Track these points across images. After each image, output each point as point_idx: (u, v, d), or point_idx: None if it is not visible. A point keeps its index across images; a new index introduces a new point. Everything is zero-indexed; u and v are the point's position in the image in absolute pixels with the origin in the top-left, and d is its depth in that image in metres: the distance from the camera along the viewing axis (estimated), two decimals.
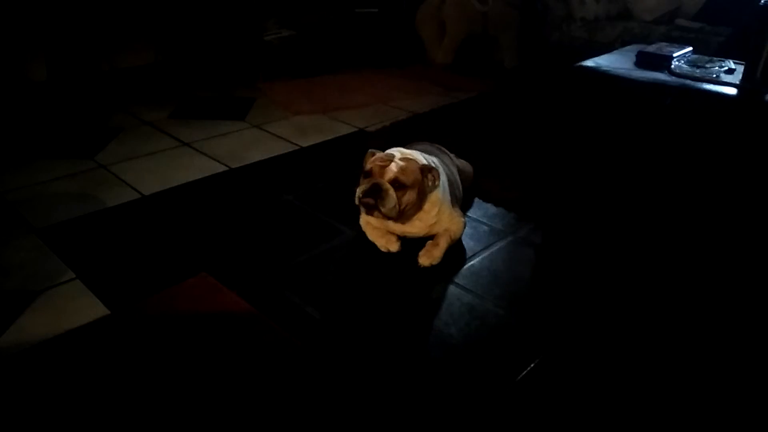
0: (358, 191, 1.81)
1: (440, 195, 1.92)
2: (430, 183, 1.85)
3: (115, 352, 1.50)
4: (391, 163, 1.80)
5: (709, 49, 2.78)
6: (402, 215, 1.84)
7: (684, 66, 1.95)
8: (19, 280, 1.77)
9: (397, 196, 1.78)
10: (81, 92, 3.33)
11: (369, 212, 1.84)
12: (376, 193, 1.77)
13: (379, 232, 1.97)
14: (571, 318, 1.69)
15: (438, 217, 1.93)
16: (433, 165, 1.90)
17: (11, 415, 1.31)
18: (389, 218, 1.85)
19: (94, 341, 1.53)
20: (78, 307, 1.66)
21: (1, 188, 2.32)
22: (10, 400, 1.35)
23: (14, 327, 1.58)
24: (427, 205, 1.89)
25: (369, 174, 1.81)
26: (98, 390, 1.38)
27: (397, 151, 1.88)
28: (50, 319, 1.61)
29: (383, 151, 1.88)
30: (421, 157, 1.88)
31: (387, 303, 1.73)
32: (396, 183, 1.78)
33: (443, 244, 1.92)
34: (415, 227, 1.93)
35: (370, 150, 1.88)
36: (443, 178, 1.95)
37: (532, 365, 1.49)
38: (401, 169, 1.79)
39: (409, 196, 1.81)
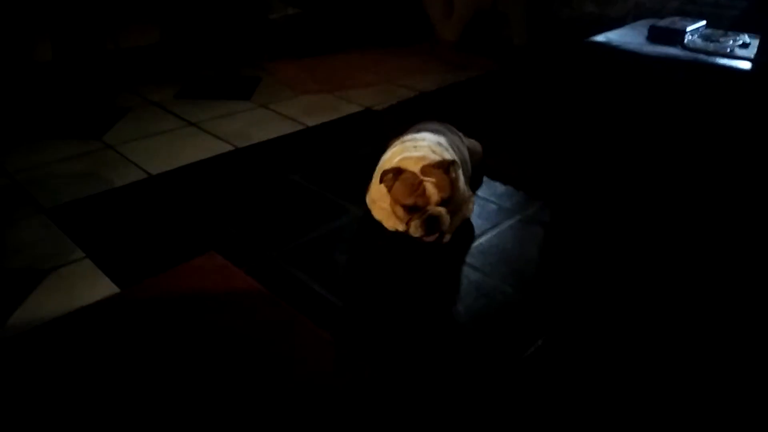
0: (416, 231, 1.77)
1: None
2: (453, 175, 1.83)
3: (124, 329, 1.51)
4: (422, 185, 1.75)
5: (724, 22, 2.72)
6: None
7: (697, 40, 1.91)
8: (29, 259, 1.79)
9: (446, 211, 1.76)
10: (86, 72, 3.32)
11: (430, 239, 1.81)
12: (435, 224, 1.75)
13: (386, 212, 1.96)
14: (578, 297, 1.68)
15: None
16: (446, 154, 1.88)
17: (23, 391, 1.33)
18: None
19: (104, 319, 1.55)
20: (88, 285, 1.67)
21: (10, 168, 2.33)
22: (22, 377, 1.37)
23: (25, 305, 1.60)
24: None
25: (414, 208, 1.76)
26: (108, 367, 1.39)
27: (409, 146, 1.85)
28: (60, 297, 1.63)
29: (390, 138, 1.85)
30: (431, 153, 1.85)
31: (394, 280, 1.73)
32: (442, 202, 1.76)
33: (454, 222, 1.91)
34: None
35: (384, 170, 1.81)
36: (457, 160, 1.93)
37: (538, 343, 1.49)
38: (437, 187, 1.75)
39: (454, 201, 1.81)
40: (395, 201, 1.80)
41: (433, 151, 1.87)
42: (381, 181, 1.82)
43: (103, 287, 1.67)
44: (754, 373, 1.43)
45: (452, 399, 1.33)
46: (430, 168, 1.78)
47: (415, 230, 1.78)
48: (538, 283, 1.74)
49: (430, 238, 1.79)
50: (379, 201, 1.94)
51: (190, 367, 1.39)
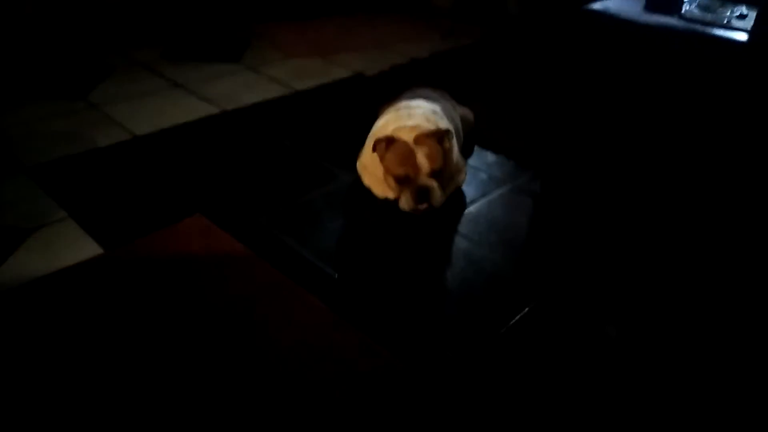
0: (406, 204, 1.74)
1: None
2: (447, 145, 1.81)
3: (109, 290, 1.49)
4: (415, 156, 1.72)
5: None
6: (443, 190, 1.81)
7: (695, 10, 1.89)
8: (11, 218, 1.75)
9: (438, 183, 1.74)
10: (70, 29, 3.21)
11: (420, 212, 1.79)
12: (425, 195, 1.73)
13: (377, 179, 1.94)
14: (566, 267, 1.69)
15: None
16: (441, 123, 1.85)
17: (4, 351, 1.32)
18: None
19: (88, 279, 1.53)
20: (71, 245, 1.65)
21: None
22: (3, 337, 1.35)
23: (7, 264, 1.57)
24: None
25: (405, 179, 1.74)
26: (92, 328, 1.38)
27: (404, 113, 1.82)
28: (44, 256, 1.60)
29: (381, 103, 1.81)
30: (426, 122, 1.82)
31: (383, 247, 1.73)
32: (433, 173, 1.74)
33: (446, 190, 1.89)
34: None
35: (376, 138, 1.78)
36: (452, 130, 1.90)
37: (525, 310, 1.50)
38: (429, 158, 1.72)
39: (445, 173, 1.78)
40: (387, 171, 1.78)
41: (428, 120, 1.84)
42: (374, 150, 1.79)
43: (87, 248, 1.64)
44: (746, 341, 1.45)
45: (439, 365, 1.34)
46: (423, 137, 1.75)
47: (405, 203, 1.76)
48: (527, 253, 1.75)
49: (421, 208, 1.78)
50: (371, 168, 1.92)
51: (176, 329, 1.39)
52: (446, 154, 1.79)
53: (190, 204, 1.85)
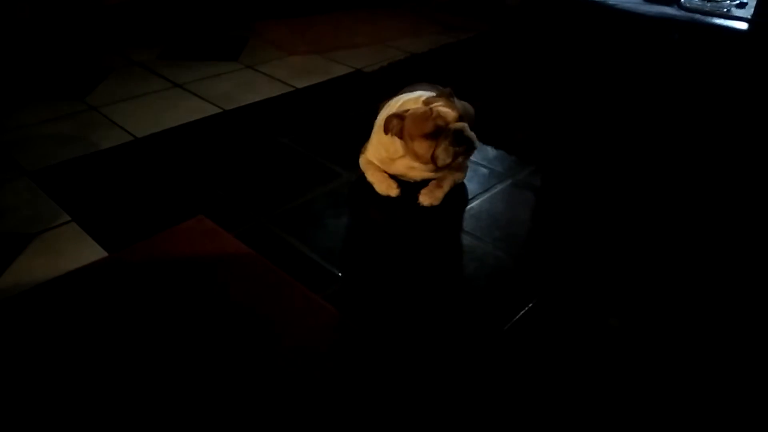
0: (445, 153, 1.68)
1: None
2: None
3: (113, 293, 1.50)
4: (435, 110, 1.69)
5: None
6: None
7: None
8: (14, 223, 1.76)
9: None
10: (67, 31, 3.21)
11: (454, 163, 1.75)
12: (462, 138, 1.68)
13: (380, 175, 1.93)
14: (569, 261, 1.69)
15: None
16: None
17: (9, 356, 1.32)
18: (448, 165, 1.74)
19: (93, 283, 1.53)
20: (75, 249, 1.65)
21: None
22: (9, 343, 1.36)
23: (11, 269, 1.58)
24: None
25: (437, 132, 1.68)
26: (97, 331, 1.39)
27: (404, 96, 1.82)
28: (47, 261, 1.60)
29: (380, 100, 1.81)
30: (428, 93, 1.82)
31: (385, 245, 1.73)
32: (459, 119, 1.70)
33: (446, 186, 1.90)
34: (420, 169, 1.89)
35: (388, 116, 1.76)
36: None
37: (529, 306, 1.50)
38: (449, 107, 1.70)
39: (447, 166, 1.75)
40: (413, 137, 1.72)
41: (428, 93, 1.85)
42: (387, 131, 1.76)
43: (91, 251, 1.64)
44: (748, 333, 1.45)
45: (444, 361, 1.34)
46: (432, 99, 1.75)
47: (444, 152, 1.69)
48: (530, 247, 1.75)
49: (464, 154, 1.71)
50: (374, 164, 1.91)
51: (179, 330, 1.39)
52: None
53: (192, 205, 1.85)
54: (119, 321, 1.41)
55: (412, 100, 1.80)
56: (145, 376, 1.27)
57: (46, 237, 1.70)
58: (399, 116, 1.74)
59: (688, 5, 1.83)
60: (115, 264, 1.60)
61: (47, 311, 1.44)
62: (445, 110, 1.70)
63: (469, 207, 1.90)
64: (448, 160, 1.72)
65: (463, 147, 1.71)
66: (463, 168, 1.96)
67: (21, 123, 2.33)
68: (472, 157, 2.16)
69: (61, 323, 1.40)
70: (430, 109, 1.70)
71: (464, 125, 1.70)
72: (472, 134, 1.71)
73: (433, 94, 1.92)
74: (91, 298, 1.48)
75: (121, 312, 1.44)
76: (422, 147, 1.72)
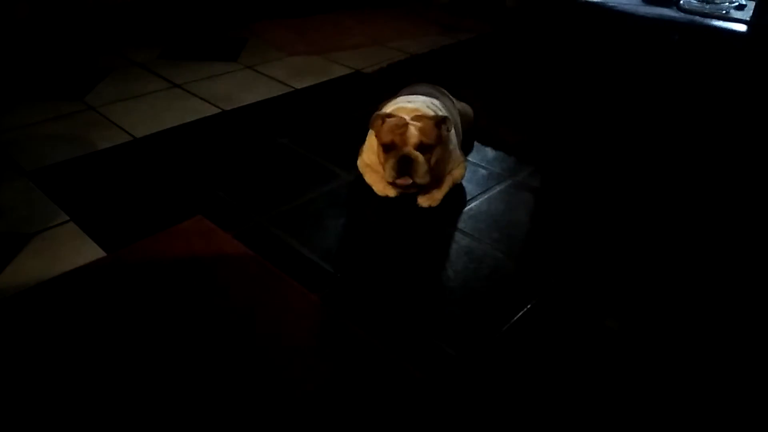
0: (387, 174, 1.73)
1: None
2: (445, 132, 1.80)
3: (111, 293, 1.50)
4: (407, 127, 1.71)
5: None
6: (433, 177, 1.78)
7: (693, 1, 1.88)
8: (12, 223, 1.75)
9: (425, 159, 1.72)
10: (66, 31, 3.21)
11: (407, 190, 1.78)
12: (407, 165, 1.71)
13: (379, 176, 1.94)
14: (567, 262, 1.69)
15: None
16: (440, 112, 1.85)
17: (8, 356, 1.32)
18: (421, 187, 1.77)
19: (91, 282, 1.53)
20: (73, 249, 1.65)
21: None
22: (7, 343, 1.35)
23: (9, 269, 1.58)
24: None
25: (391, 146, 1.72)
26: (96, 331, 1.38)
27: (403, 101, 1.82)
28: (46, 260, 1.60)
29: (380, 101, 1.82)
30: (426, 108, 1.82)
31: (384, 245, 1.73)
32: (422, 147, 1.72)
33: (445, 187, 1.90)
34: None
35: (376, 113, 1.79)
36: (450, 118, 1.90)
37: (528, 307, 1.50)
38: (422, 131, 1.71)
39: (436, 155, 1.76)
40: (378, 141, 1.77)
41: (428, 107, 1.85)
42: (369, 126, 1.79)
43: (89, 251, 1.64)
44: (747, 333, 1.45)
45: (442, 362, 1.34)
46: (421, 117, 1.76)
47: (389, 172, 1.74)
48: (528, 249, 1.75)
49: (402, 182, 1.74)
50: (373, 165, 1.92)
51: (178, 330, 1.39)
52: (443, 141, 1.79)
53: (191, 205, 1.85)
54: (117, 321, 1.41)
55: (407, 109, 1.79)
56: (143, 377, 1.27)
57: (44, 237, 1.70)
58: (383, 117, 1.76)
59: (687, 7, 1.84)
60: (114, 264, 1.59)
61: (45, 311, 1.44)
62: (414, 132, 1.71)
63: (467, 208, 1.90)
64: (388, 180, 1.76)
65: (407, 179, 1.72)
66: (461, 167, 1.96)
67: (20, 123, 2.33)
68: (470, 158, 2.17)
69: (59, 323, 1.40)
70: (405, 124, 1.72)
71: (416, 155, 1.70)
72: (422, 168, 1.71)
73: (436, 101, 1.92)
74: (90, 298, 1.48)
75: (120, 312, 1.44)
76: (380, 155, 1.78)
